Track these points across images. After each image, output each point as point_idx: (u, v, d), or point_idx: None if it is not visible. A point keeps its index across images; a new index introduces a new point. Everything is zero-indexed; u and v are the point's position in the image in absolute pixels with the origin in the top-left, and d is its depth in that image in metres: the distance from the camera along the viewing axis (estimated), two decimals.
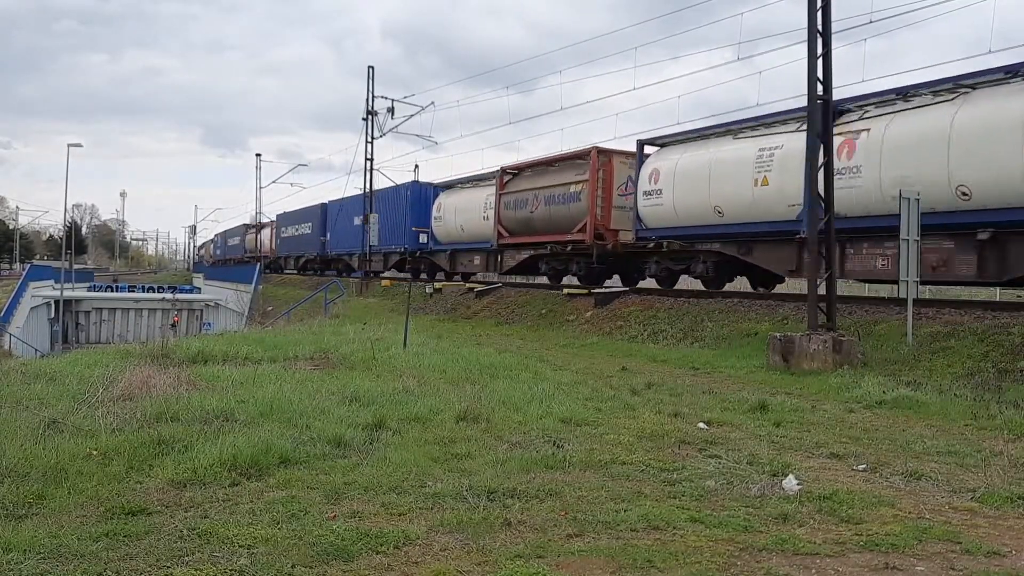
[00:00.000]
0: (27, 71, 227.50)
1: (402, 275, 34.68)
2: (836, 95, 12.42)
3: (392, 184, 34.71)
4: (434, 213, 30.18)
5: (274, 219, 54.88)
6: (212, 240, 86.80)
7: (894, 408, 8.40)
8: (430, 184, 32.48)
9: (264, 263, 50.59)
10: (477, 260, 28.03)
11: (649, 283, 20.99)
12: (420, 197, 31.54)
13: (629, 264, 21.57)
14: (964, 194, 12.01)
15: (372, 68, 33.84)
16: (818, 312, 11.74)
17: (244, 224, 67.55)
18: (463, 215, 28.04)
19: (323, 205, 43.16)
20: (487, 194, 26.25)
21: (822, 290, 11.91)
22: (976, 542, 4.13)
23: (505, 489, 4.85)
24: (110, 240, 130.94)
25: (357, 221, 35.31)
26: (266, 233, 56.63)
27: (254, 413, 6.62)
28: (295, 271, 49.17)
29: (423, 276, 32.38)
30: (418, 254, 31.99)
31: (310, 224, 44.72)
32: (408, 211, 31.59)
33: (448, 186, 30.75)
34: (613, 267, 22.43)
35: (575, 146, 21.93)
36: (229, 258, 70.42)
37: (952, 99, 12.51)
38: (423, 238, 30.82)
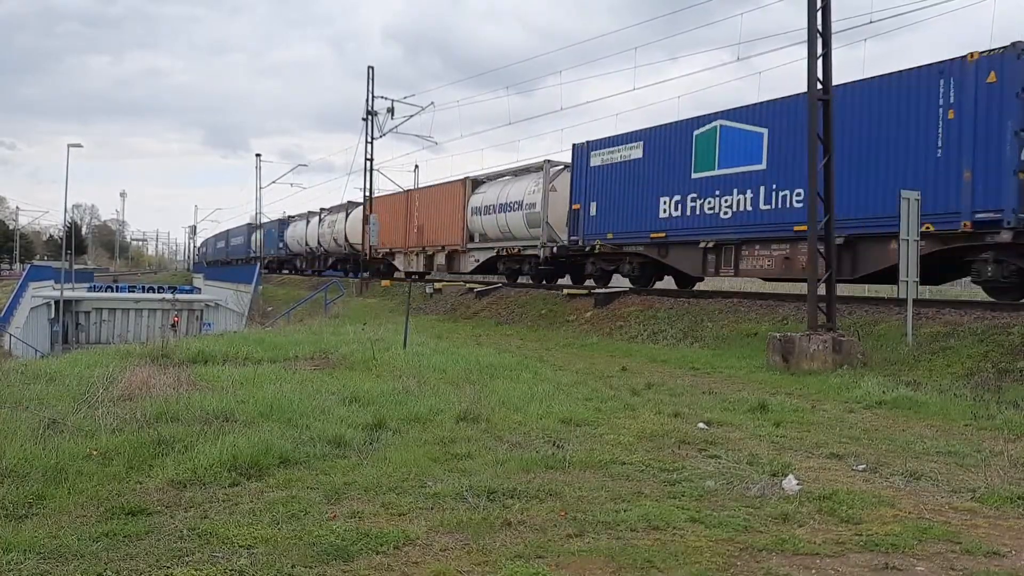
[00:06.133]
0: (31, 72, 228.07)
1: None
2: None
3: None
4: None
5: None
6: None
7: (894, 408, 8.39)
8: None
9: None
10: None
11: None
12: None
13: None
14: None
15: (372, 68, 33.69)
16: (818, 312, 11.74)
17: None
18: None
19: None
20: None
21: (822, 290, 11.91)
22: (976, 542, 4.13)
23: (505, 489, 4.85)
24: (110, 240, 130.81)
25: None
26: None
27: (254, 413, 6.62)
28: None
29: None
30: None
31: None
32: None
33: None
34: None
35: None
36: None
37: None
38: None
